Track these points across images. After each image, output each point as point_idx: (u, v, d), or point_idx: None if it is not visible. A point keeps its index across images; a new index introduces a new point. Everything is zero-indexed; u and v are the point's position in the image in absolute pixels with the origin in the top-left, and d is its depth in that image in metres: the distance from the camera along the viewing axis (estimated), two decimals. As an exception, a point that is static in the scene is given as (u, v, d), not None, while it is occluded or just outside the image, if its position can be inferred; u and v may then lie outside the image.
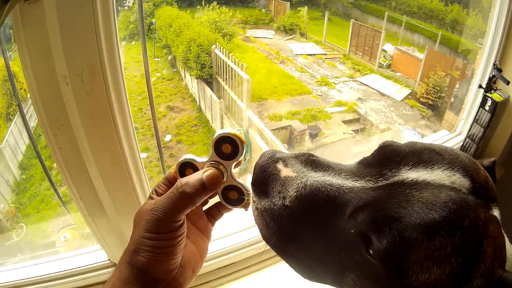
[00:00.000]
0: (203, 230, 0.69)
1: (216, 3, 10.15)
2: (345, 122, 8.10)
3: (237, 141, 0.58)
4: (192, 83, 8.52)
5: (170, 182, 0.63)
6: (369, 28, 10.79)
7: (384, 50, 10.43)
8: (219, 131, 0.58)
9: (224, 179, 0.60)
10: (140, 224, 0.56)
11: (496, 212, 0.50)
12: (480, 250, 0.45)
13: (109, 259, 1.12)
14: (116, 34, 0.73)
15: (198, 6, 10.33)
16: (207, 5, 10.19)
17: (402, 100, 8.95)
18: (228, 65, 7.44)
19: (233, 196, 0.64)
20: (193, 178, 0.57)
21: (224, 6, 10.27)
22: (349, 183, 0.52)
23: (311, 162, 0.56)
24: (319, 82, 9.57)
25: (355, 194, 0.50)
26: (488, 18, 1.68)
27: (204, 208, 0.70)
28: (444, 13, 10.12)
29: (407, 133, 7.74)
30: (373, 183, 0.51)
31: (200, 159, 0.61)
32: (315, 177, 0.52)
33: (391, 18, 11.42)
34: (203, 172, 0.58)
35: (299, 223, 0.52)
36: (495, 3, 1.61)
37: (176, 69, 9.29)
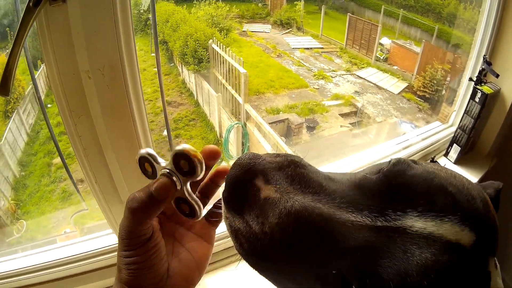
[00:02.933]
0: (201, 234, 0.65)
1: (212, -2, 10.13)
2: (342, 115, 8.11)
3: (196, 162, 0.52)
4: (189, 78, 8.52)
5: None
6: (366, 21, 10.77)
7: (381, 44, 10.43)
8: (181, 146, 0.52)
9: (178, 188, 0.55)
10: (118, 242, 0.56)
11: (491, 266, 0.44)
12: None
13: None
14: (133, 34, 0.79)
15: (195, 1, 10.26)
16: (203, 0, 10.18)
17: (399, 93, 8.96)
18: (226, 59, 7.44)
19: (185, 209, 0.58)
20: (141, 191, 0.54)
21: (220, 0, 10.18)
22: (342, 214, 0.43)
23: (299, 177, 0.47)
24: (316, 75, 9.58)
25: (347, 230, 0.42)
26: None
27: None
28: (441, 7, 10.10)
29: (404, 125, 7.77)
30: (370, 220, 0.43)
31: (159, 159, 0.57)
32: (303, 202, 0.44)
33: (388, 12, 11.40)
34: (153, 183, 0.53)
35: (277, 250, 0.45)
36: (486, -2, 1.66)
37: (173, 64, 9.27)
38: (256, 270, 0.52)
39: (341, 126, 7.76)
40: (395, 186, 0.45)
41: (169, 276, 0.58)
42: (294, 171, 0.48)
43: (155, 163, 0.56)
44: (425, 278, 0.38)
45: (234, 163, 0.49)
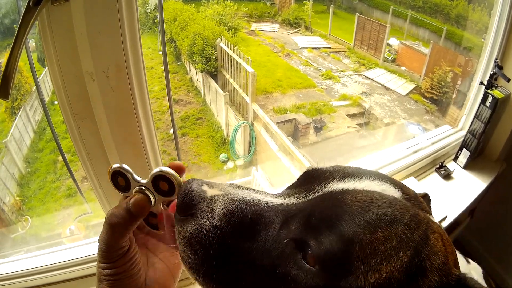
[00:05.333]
0: (172, 244, 0.63)
1: (220, -4, 10.13)
2: (349, 116, 8.10)
3: (175, 183, 0.55)
4: (197, 76, 8.55)
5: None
6: (374, 22, 10.74)
7: (389, 44, 10.39)
8: (158, 168, 0.56)
9: (152, 204, 0.58)
10: (97, 256, 0.59)
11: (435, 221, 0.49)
12: (428, 243, 0.44)
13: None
14: (139, 34, 0.77)
15: (203, 0, 10.31)
16: (212, -2, 10.18)
17: (406, 94, 8.94)
18: (233, 58, 7.44)
19: (153, 222, 0.63)
20: (119, 207, 0.58)
21: (228, -1, 10.26)
22: (277, 200, 0.51)
23: (235, 184, 0.55)
24: (324, 75, 9.57)
25: (284, 208, 0.49)
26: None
27: None
28: (449, 8, 10.06)
29: (411, 127, 7.74)
30: (303, 197, 0.51)
31: (134, 176, 0.59)
32: (242, 193, 0.51)
33: (396, 12, 11.37)
34: (130, 199, 0.57)
35: (229, 243, 0.49)
36: (497, 1, 1.64)
37: (181, 62, 9.30)
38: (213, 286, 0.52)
39: (348, 127, 7.74)
40: (313, 173, 0.56)
41: (147, 285, 0.62)
42: (231, 183, 0.55)
43: (131, 179, 0.59)
44: (366, 207, 0.45)
45: (184, 182, 0.55)
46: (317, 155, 6.66)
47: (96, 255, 1.09)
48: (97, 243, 0.58)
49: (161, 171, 0.55)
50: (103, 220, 0.59)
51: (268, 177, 6.14)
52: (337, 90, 9.06)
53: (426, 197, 0.61)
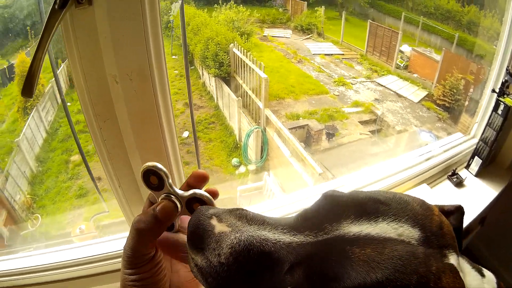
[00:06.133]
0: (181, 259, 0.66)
1: (233, 2, 10.23)
2: (361, 122, 8.10)
3: (161, 173, 0.58)
4: (210, 81, 8.62)
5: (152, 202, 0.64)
6: (386, 28, 10.70)
7: (401, 51, 10.35)
8: (200, 191, 0.58)
9: (179, 212, 0.59)
10: (121, 263, 0.59)
11: (452, 259, 0.45)
12: None
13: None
14: (162, 39, 0.78)
15: (216, 5, 10.36)
16: (225, 4, 10.25)
17: (418, 102, 8.89)
18: (246, 63, 7.50)
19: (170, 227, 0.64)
20: (146, 213, 0.59)
21: (241, 5, 10.29)
22: (286, 238, 0.49)
23: (246, 216, 0.53)
24: (336, 82, 9.57)
25: (292, 249, 0.47)
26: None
27: None
28: (461, 14, 9.99)
29: (423, 135, 7.72)
30: (312, 237, 0.47)
31: (169, 180, 0.60)
32: (250, 232, 0.49)
33: (408, 19, 11.31)
34: (157, 206, 0.58)
35: (236, 279, 0.49)
36: (508, 8, 1.66)
37: (193, 66, 9.35)
38: None
39: (360, 134, 7.74)
40: (328, 206, 0.50)
41: None
42: (241, 212, 0.52)
43: (162, 174, 0.59)
44: (372, 268, 0.40)
45: (194, 211, 0.54)
46: (329, 162, 6.65)
47: (105, 255, 1.11)
48: (122, 250, 0.59)
49: (198, 194, 0.58)
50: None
51: (279, 183, 6.16)
52: (349, 97, 9.06)
53: (459, 211, 0.58)
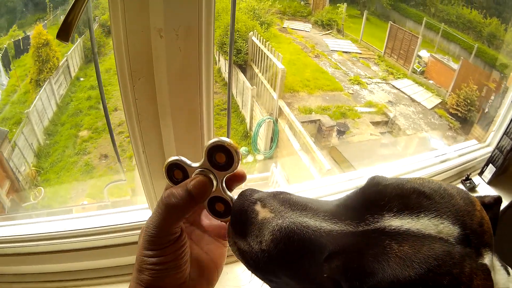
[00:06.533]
0: (218, 235, 0.64)
1: (255, -10, 10.19)
2: (373, 123, 8.11)
3: (232, 152, 0.52)
4: (225, 68, 8.62)
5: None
6: (406, 32, 10.65)
7: (419, 56, 10.31)
8: (213, 139, 0.53)
9: (214, 189, 0.55)
10: (140, 242, 0.55)
11: (487, 259, 0.45)
12: None
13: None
14: None
15: (238, -8, 10.35)
16: (247, -9, 10.22)
17: (431, 108, 8.86)
18: (264, 53, 7.51)
19: (220, 208, 0.58)
20: (178, 188, 0.54)
21: (263, -6, 10.28)
22: (327, 225, 0.49)
23: (289, 200, 0.52)
24: (351, 80, 9.57)
25: (332, 238, 0.47)
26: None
27: None
28: (482, 26, 9.92)
29: (433, 141, 7.71)
30: (353, 227, 0.47)
31: (190, 163, 0.56)
32: (292, 218, 0.50)
33: (429, 25, 11.21)
34: (190, 181, 0.54)
35: (276, 264, 0.51)
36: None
37: (210, 52, 9.34)
38: (263, 281, 0.55)
39: (371, 134, 7.75)
40: (372, 195, 0.49)
41: (191, 278, 0.58)
42: (284, 197, 0.53)
43: (186, 167, 0.56)
44: (407, 266, 0.40)
45: (239, 194, 0.54)
46: (336, 158, 6.67)
47: (112, 227, 1.03)
48: (142, 228, 0.55)
49: (213, 142, 0.52)
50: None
51: (286, 175, 6.18)
52: (363, 96, 9.06)
53: (498, 202, 0.57)
